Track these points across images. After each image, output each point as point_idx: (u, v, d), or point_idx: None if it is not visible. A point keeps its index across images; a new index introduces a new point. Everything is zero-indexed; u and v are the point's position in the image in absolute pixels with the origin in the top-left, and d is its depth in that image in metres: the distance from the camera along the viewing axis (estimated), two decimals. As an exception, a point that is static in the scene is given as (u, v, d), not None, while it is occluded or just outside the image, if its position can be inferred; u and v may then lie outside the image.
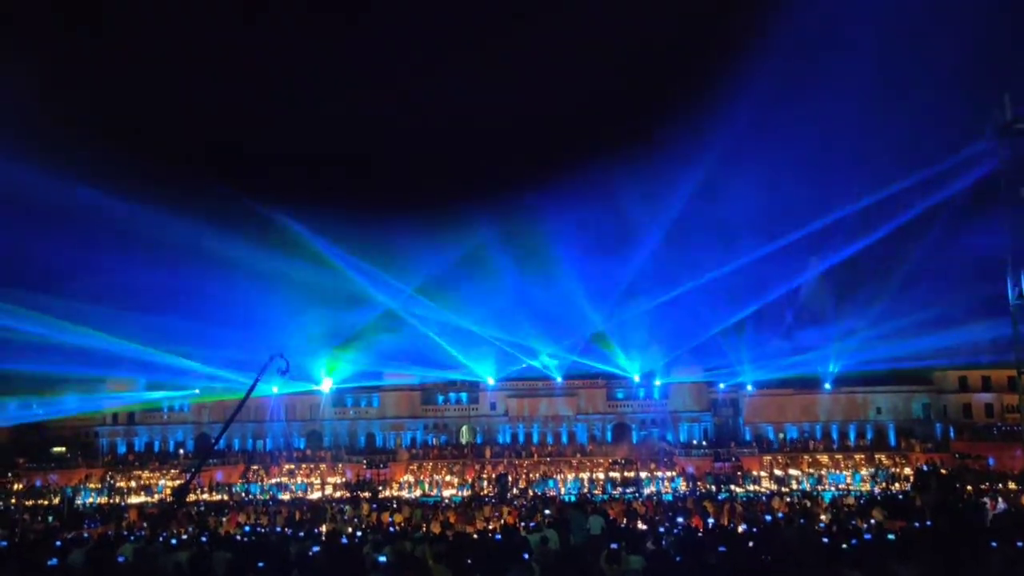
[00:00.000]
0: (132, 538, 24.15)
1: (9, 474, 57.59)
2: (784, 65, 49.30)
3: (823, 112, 52.19)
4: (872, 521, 24.36)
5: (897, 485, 46.20)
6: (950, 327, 54.18)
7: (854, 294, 61.21)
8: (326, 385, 68.00)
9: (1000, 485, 42.59)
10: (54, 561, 17.57)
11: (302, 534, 26.10)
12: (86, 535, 28.98)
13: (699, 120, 54.71)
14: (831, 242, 57.40)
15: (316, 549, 18.94)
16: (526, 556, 14.91)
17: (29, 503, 49.89)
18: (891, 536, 18.12)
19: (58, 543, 22.59)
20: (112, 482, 56.31)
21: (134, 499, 50.95)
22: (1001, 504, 31.84)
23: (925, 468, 46.47)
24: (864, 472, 52.00)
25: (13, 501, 50.51)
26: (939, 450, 56.57)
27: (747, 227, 58.52)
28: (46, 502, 49.66)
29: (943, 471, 42.18)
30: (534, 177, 70.57)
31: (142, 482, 55.86)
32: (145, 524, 36.50)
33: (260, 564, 16.03)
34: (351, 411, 66.62)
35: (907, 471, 50.19)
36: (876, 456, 56.89)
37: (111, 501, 49.95)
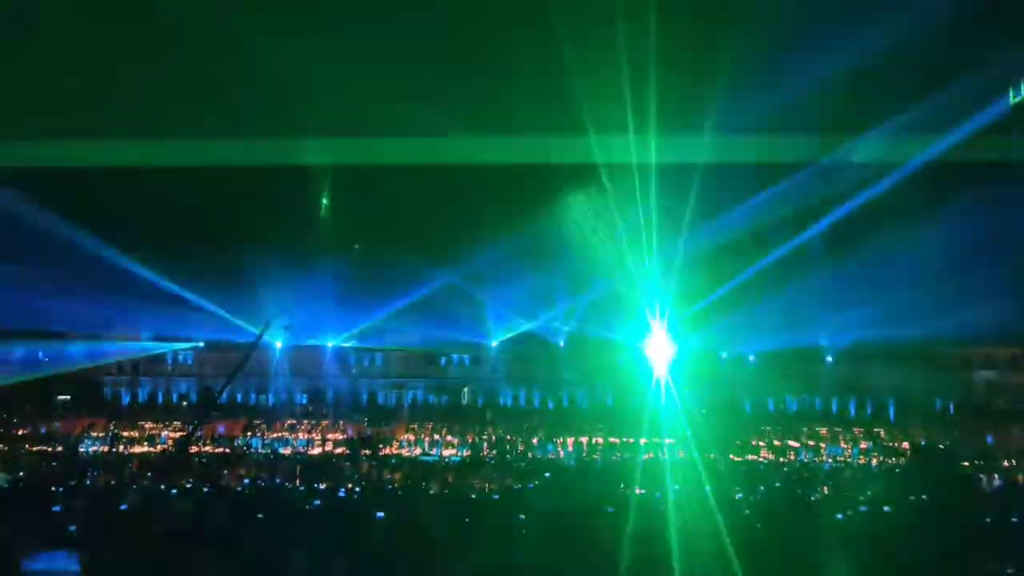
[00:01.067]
0: (135, 487, 24.47)
1: (14, 419, 58.08)
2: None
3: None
4: (873, 492, 24.56)
5: (895, 459, 46.38)
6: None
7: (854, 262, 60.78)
8: (328, 342, 68.46)
9: (996, 461, 42.72)
10: (57, 507, 17.82)
11: (302, 488, 26.41)
12: (89, 483, 29.38)
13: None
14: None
15: (316, 503, 19.17)
16: (523, 517, 15.06)
17: (33, 449, 50.45)
18: (887, 508, 18.27)
19: (61, 489, 22.90)
20: (115, 432, 56.80)
21: (137, 449, 51.44)
22: (997, 481, 32.06)
23: (922, 443, 46.73)
24: (863, 445, 52.13)
25: (19, 445, 51.08)
26: (938, 426, 56.60)
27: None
28: (50, 449, 50.18)
29: (941, 447, 42.41)
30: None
31: (145, 432, 56.31)
32: (148, 474, 36.97)
33: (259, 515, 16.25)
34: (353, 369, 66.79)
35: (905, 445, 50.34)
36: (875, 430, 56.96)
37: (114, 450, 50.45)
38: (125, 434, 55.85)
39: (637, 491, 26.79)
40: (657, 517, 17.83)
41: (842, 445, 50.13)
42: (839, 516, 18.58)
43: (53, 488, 24.89)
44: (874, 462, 46.13)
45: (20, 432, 55.69)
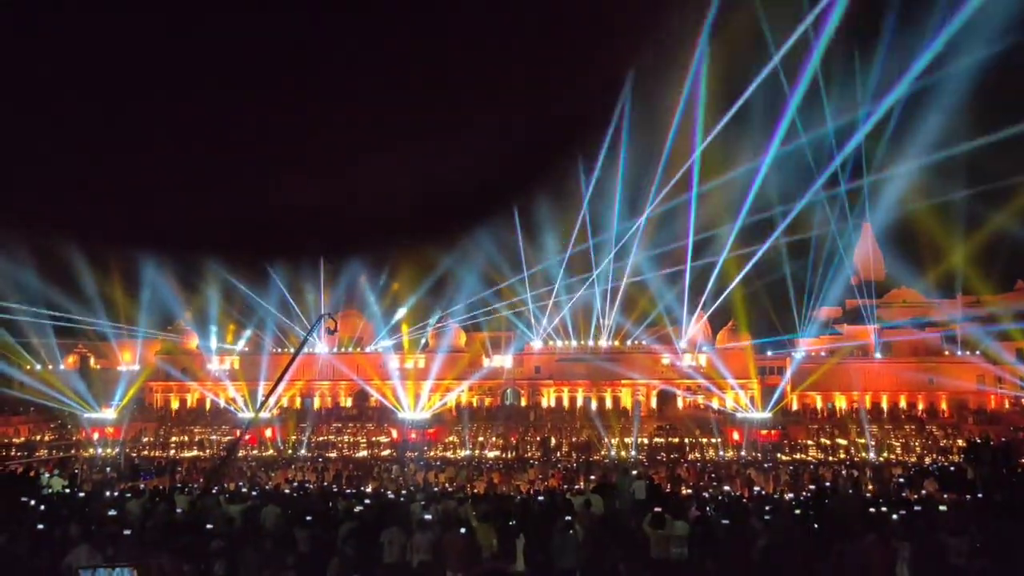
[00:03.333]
0: (186, 491, 24.85)
1: (69, 425, 59.57)
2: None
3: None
4: (923, 492, 24.03)
5: (950, 457, 45.41)
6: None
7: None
8: (373, 346, 69.12)
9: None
10: (112, 511, 18.15)
11: (349, 491, 26.56)
12: (142, 487, 29.92)
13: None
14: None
15: (362, 506, 19.26)
16: (569, 519, 14.97)
17: (87, 454, 51.67)
18: (942, 508, 17.84)
19: (115, 493, 23.31)
20: (166, 436, 57.99)
21: (187, 453, 52.38)
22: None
23: (978, 440, 45.59)
24: (915, 443, 51.21)
25: (72, 452, 52.34)
26: (992, 422, 55.39)
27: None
28: (104, 453, 51.35)
29: (996, 444, 41.32)
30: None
31: (195, 437, 57.33)
32: (198, 478, 37.53)
33: (308, 518, 16.37)
34: (397, 371, 67.31)
35: (959, 443, 49.26)
36: (927, 427, 55.94)
37: (164, 455, 51.45)
38: (175, 438, 57.11)
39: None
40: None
41: None
42: None
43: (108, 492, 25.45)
44: None
45: (74, 438, 57.16)
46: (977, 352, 60.82)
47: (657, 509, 15.32)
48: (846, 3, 45.93)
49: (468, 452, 50.97)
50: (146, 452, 53.36)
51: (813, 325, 63.29)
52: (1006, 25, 42.44)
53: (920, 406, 60.67)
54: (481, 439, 54.69)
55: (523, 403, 65.60)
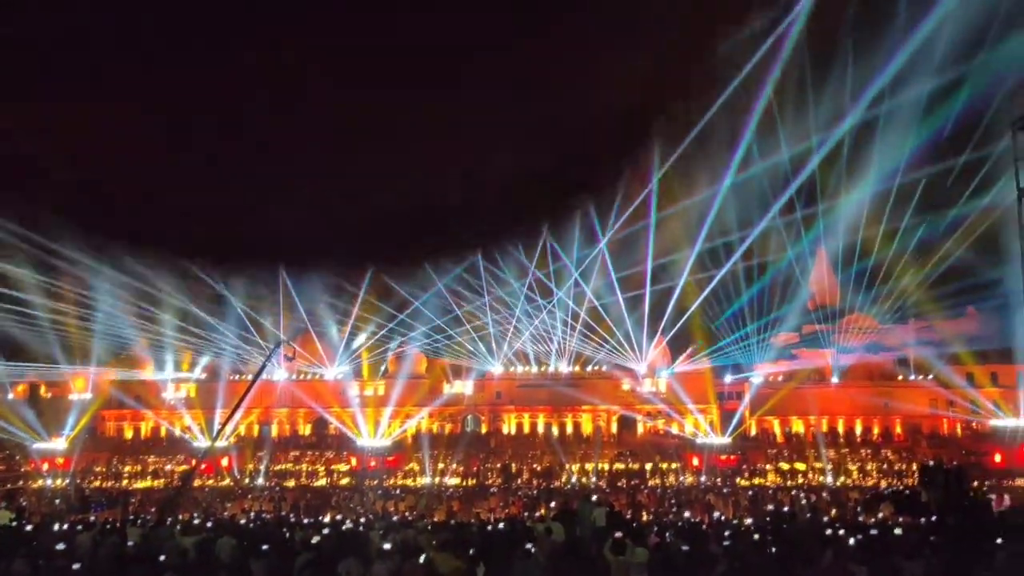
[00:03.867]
0: (138, 522, 24.29)
1: (17, 456, 57.91)
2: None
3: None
4: (880, 516, 24.33)
5: (905, 480, 46.09)
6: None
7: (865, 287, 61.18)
8: (332, 372, 68.44)
9: (1006, 482, 42.43)
10: (61, 544, 17.67)
11: (307, 521, 26.18)
12: (93, 519, 29.17)
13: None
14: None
15: (320, 536, 18.98)
16: (530, 546, 14.90)
17: (36, 486, 50.27)
18: (898, 531, 18.08)
19: (65, 526, 22.71)
20: (119, 467, 56.63)
21: (140, 484, 51.22)
22: (1007, 501, 31.80)
23: (931, 464, 46.31)
24: (870, 467, 51.88)
25: (20, 484, 50.89)
26: (945, 445, 56.38)
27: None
28: (53, 485, 50.01)
29: (949, 467, 42.03)
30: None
31: (148, 467, 56.08)
32: (152, 509, 36.73)
33: (263, 549, 16.09)
34: (356, 398, 66.60)
35: (914, 466, 50.04)
36: (882, 451, 56.73)
37: (117, 486, 50.22)
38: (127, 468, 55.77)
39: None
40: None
41: None
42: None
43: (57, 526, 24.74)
44: None
45: (22, 469, 55.58)
46: (930, 376, 62.00)
47: (618, 535, 15.31)
48: (798, 35, 46.99)
49: (428, 480, 50.56)
50: (98, 483, 52.06)
51: (770, 350, 64.02)
52: (953, 56, 43.68)
53: (875, 430, 61.56)
54: (441, 466, 54.27)
55: (484, 430, 65.29)
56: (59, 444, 59.13)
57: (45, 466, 55.16)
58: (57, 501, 41.11)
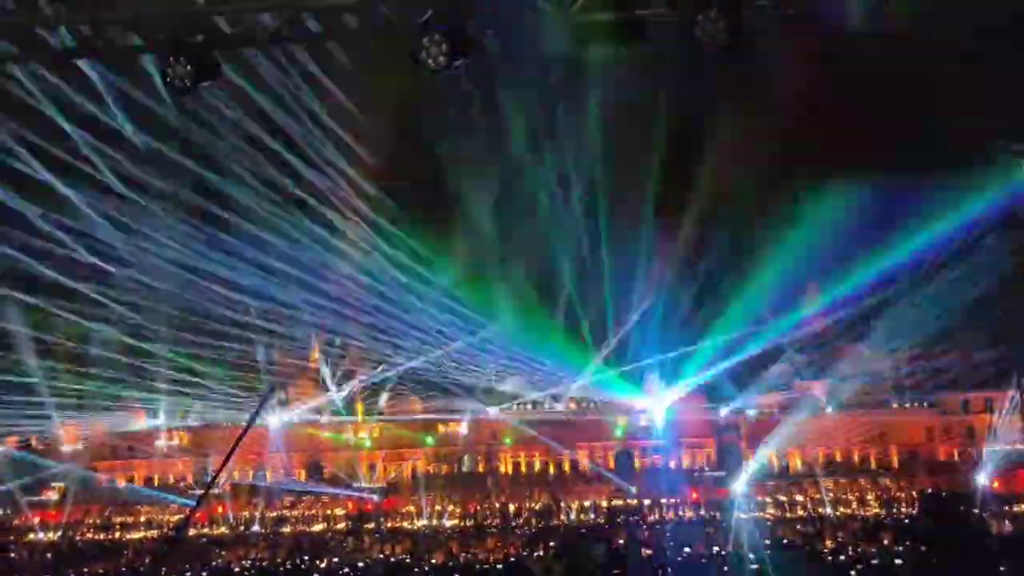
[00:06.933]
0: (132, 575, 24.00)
1: (8, 510, 57.00)
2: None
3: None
4: (883, 544, 24.24)
5: (904, 509, 45.81)
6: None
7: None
8: (326, 416, 67.83)
9: (1006, 507, 42.21)
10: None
11: (304, 567, 25.96)
12: (85, 571, 28.79)
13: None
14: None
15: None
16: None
17: (28, 539, 49.49)
18: (899, 561, 18.02)
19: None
20: (111, 518, 55.78)
21: (134, 535, 50.47)
22: (1007, 526, 31.66)
23: (930, 492, 46.21)
24: (870, 496, 51.51)
25: (12, 537, 50.08)
26: (942, 472, 56.02)
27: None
28: (45, 538, 49.26)
29: (947, 495, 41.93)
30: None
31: (142, 518, 55.32)
32: (146, 560, 36.30)
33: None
34: (352, 441, 65.91)
35: (912, 494, 49.82)
36: (881, 480, 56.36)
37: (110, 538, 49.49)
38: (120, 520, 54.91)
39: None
40: None
41: None
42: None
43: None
44: None
45: (14, 523, 54.71)
46: (925, 404, 61.77)
47: (616, 572, 15.23)
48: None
49: (425, 521, 50.04)
50: (90, 535, 51.28)
51: (765, 382, 63.70)
52: None
53: (872, 459, 61.11)
54: (439, 507, 53.71)
55: (480, 469, 64.63)
56: (51, 496, 58.31)
57: (36, 519, 54.43)
58: (48, 555, 40.49)
